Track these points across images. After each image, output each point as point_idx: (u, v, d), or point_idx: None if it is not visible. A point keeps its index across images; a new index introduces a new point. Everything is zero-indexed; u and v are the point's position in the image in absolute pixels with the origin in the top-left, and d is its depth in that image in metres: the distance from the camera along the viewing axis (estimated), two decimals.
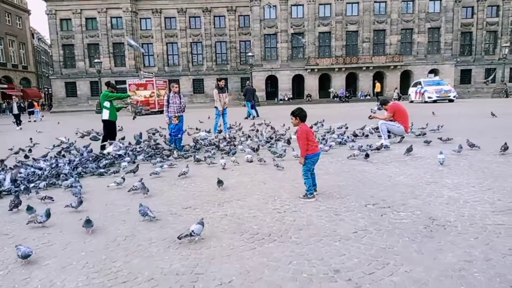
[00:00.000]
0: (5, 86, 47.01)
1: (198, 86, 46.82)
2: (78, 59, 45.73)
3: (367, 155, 6.46)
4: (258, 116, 18.20)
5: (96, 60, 35.62)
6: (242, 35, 46.89)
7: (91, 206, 4.48)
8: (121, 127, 13.28)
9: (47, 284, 2.65)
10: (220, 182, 4.92)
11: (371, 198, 4.27)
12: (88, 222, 3.56)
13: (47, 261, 3.03)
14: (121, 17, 45.32)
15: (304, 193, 4.35)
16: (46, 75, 62.03)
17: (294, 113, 4.39)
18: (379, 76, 42.73)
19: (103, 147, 8.17)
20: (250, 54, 36.15)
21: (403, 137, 8.30)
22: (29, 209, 4.09)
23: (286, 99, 42.28)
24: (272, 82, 44.53)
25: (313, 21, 42.24)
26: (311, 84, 43.07)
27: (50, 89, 55.93)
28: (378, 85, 35.65)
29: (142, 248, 3.21)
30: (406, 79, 41.64)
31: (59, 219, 4.11)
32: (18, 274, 2.83)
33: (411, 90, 28.63)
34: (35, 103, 29.67)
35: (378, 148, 7.21)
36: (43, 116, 26.29)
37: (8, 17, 48.17)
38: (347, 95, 40.87)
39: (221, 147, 8.24)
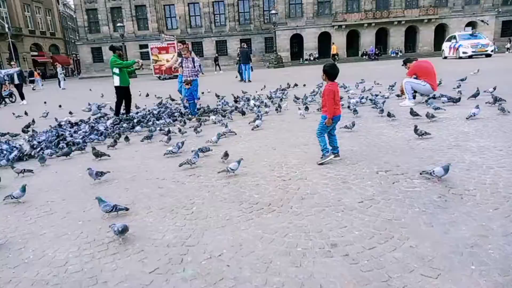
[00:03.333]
0: (36, 53, 48.09)
1: (221, 48, 45.87)
2: (102, 24, 45.67)
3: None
4: (242, 80, 18.08)
5: (119, 24, 35.45)
6: None
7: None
8: (146, 93, 13.40)
9: (39, 255, 2.63)
10: (226, 155, 4.56)
11: (384, 164, 3.98)
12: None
13: (44, 231, 3.02)
14: None
15: (321, 155, 4.17)
16: (73, 41, 62.77)
17: (323, 68, 4.16)
18: (411, 31, 40.24)
19: (117, 114, 8.24)
20: (273, 11, 34.53)
21: (431, 97, 7.73)
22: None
23: (312, 58, 40.85)
24: (297, 42, 42.95)
25: None
26: (339, 41, 41.17)
27: (78, 55, 56.79)
28: (334, 47, 33.64)
29: (138, 218, 3.14)
30: (440, 34, 38.97)
31: (65, 186, 4.12)
32: (14, 243, 2.84)
33: (445, 45, 26.78)
34: (35, 72, 29.38)
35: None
36: (43, 85, 26.74)
37: None
38: (377, 52, 38.94)
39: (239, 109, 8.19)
